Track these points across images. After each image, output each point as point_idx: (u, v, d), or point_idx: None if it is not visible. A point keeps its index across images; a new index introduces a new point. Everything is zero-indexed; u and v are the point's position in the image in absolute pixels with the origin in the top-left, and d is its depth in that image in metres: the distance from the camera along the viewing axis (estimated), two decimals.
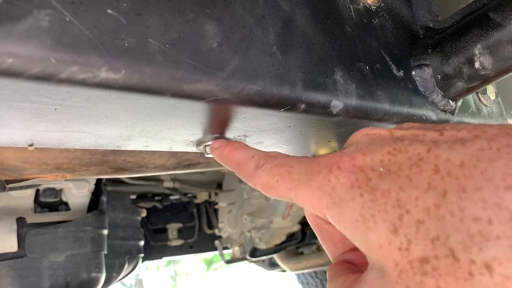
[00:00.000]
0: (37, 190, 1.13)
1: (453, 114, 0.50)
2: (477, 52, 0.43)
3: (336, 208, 0.24)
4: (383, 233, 0.21)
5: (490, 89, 0.57)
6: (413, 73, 0.47)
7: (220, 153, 0.38)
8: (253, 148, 0.35)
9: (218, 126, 0.38)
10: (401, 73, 0.46)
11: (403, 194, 0.21)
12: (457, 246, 0.19)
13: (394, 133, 0.25)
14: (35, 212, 1.12)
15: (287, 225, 1.94)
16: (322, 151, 0.53)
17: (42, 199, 1.15)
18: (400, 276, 0.20)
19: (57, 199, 1.18)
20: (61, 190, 1.19)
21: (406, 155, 0.23)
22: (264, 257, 2.02)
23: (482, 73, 0.44)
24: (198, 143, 0.43)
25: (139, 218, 1.73)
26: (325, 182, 0.25)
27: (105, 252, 1.22)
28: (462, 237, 0.19)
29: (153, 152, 0.77)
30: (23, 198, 1.10)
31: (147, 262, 2.28)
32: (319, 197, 0.25)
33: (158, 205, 2.14)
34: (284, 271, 2.29)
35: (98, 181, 1.27)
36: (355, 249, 0.32)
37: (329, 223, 0.28)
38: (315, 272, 2.40)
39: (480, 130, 0.22)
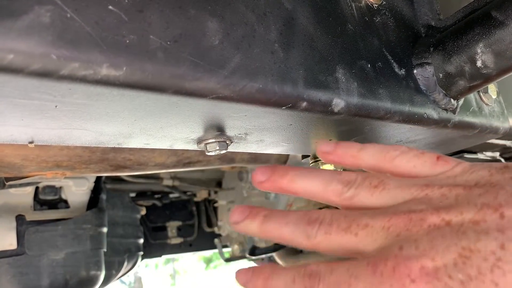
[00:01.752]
0: (37, 188, 1.13)
1: (454, 113, 0.50)
2: (479, 50, 0.43)
3: None
4: None
5: (492, 88, 0.57)
6: (415, 71, 0.47)
7: (253, 287, 0.31)
8: (283, 268, 0.30)
9: (219, 123, 0.38)
10: (402, 72, 0.46)
11: None
12: None
13: (451, 223, 0.24)
14: (35, 209, 1.12)
15: None
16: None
17: (41, 196, 1.14)
18: None
19: (56, 197, 1.17)
20: (60, 187, 1.18)
21: (480, 255, 0.22)
22: (263, 256, 2.02)
23: (484, 71, 0.44)
24: (199, 140, 0.43)
25: (138, 216, 1.72)
26: None
27: (105, 250, 1.22)
28: None
29: (153, 150, 0.77)
30: (23, 196, 1.10)
31: (146, 260, 2.28)
32: None
33: (158, 203, 2.14)
34: None
35: (98, 179, 1.27)
36: None
37: None
38: None
39: None
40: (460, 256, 0.22)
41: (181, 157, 0.81)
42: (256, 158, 0.98)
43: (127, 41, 0.26)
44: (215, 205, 2.30)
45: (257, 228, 0.33)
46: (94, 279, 1.17)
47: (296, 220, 0.31)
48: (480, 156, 0.89)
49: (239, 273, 0.33)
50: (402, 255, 0.24)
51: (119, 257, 1.50)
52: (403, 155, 0.31)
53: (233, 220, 0.35)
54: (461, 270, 0.22)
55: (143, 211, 1.87)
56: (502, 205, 0.23)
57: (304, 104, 0.36)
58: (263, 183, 0.34)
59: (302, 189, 0.32)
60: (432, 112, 0.47)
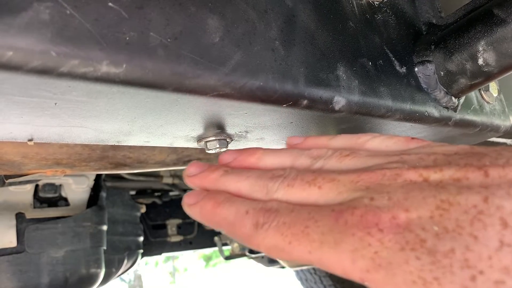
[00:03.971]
0: (37, 186, 1.13)
1: (455, 111, 0.50)
2: (480, 48, 0.42)
3: (381, 271, 0.20)
4: None
5: (493, 86, 0.57)
6: (416, 69, 0.47)
7: (200, 211, 0.28)
8: (239, 198, 0.28)
9: (219, 121, 0.38)
10: (403, 70, 0.45)
11: (471, 254, 0.19)
12: None
13: (429, 179, 0.22)
14: (34, 207, 1.12)
15: None
16: None
17: (41, 194, 1.14)
18: None
19: (56, 195, 1.17)
20: (60, 185, 1.18)
21: (460, 208, 0.20)
22: (263, 253, 2.02)
23: (486, 69, 0.43)
24: (199, 138, 0.43)
25: (138, 214, 1.72)
26: (363, 246, 0.21)
27: (104, 247, 1.22)
28: None
29: (153, 148, 0.77)
30: (22, 193, 1.10)
31: (146, 258, 2.28)
32: (354, 260, 0.21)
33: (158, 201, 2.14)
34: (283, 267, 2.29)
35: (98, 176, 1.27)
36: None
37: None
38: (314, 268, 2.40)
39: None
40: (438, 208, 0.20)
41: (181, 155, 0.81)
42: None
43: (127, 38, 0.26)
44: None
45: (214, 180, 0.30)
46: (94, 277, 1.17)
47: (259, 175, 0.28)
48: None
49: (189, 194, 0.30)
50: (373, 205, 0.22)
51: (119, 255, 1.50)
52: (375, 138, 0.30)
53: (188, 171, 0.32)
54: (437, 223, 0.20)
55: (143, 209, 1.87)
56: (487, 165, 0.21)
57: (305, 102, 0.36)
58: (230, 163, 0.32)
59: (270, 165, 0.31)
60: (433, 110, 0.47)
